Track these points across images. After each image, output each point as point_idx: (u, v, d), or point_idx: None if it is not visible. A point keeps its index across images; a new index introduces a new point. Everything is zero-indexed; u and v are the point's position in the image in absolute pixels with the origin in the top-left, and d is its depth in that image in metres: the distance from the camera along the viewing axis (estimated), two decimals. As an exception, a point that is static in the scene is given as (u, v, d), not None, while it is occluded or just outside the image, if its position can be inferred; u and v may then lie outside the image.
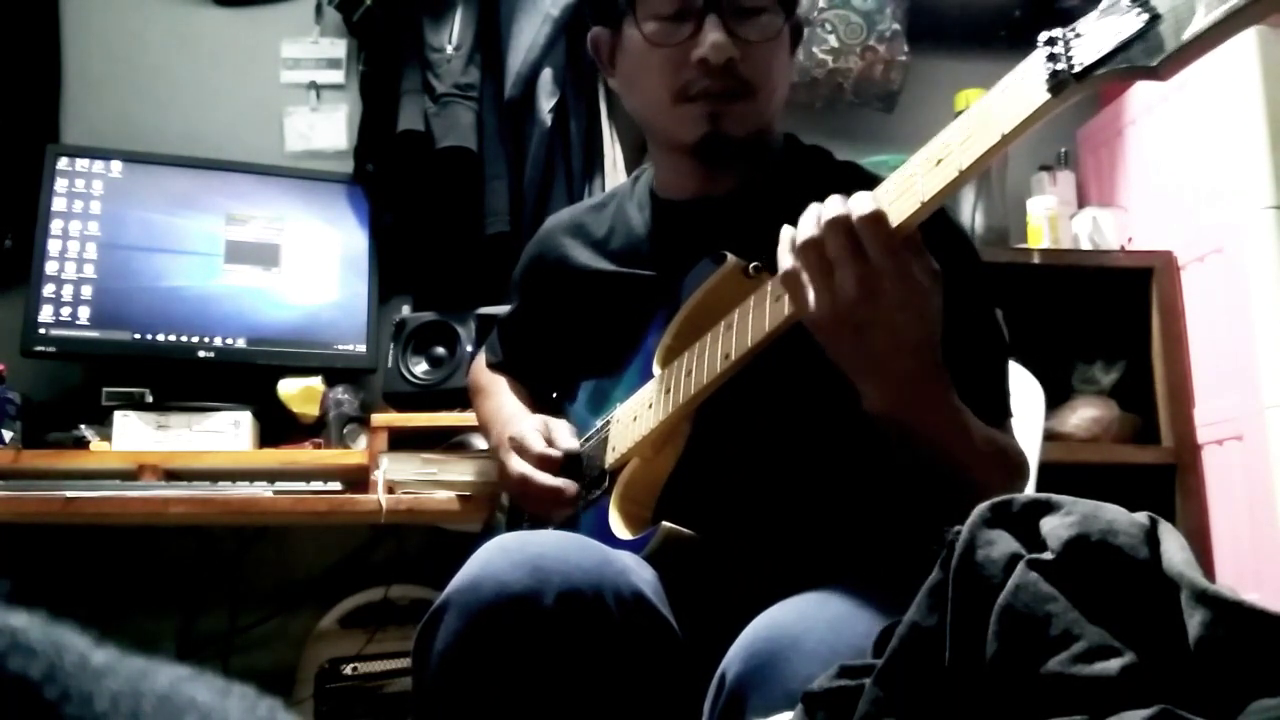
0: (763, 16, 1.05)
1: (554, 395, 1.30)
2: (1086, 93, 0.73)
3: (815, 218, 0.82)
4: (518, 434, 1.13)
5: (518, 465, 1.11)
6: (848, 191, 0.89)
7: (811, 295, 0.82)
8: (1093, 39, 0.70)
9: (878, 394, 0.86)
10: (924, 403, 0.87)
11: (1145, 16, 0.67)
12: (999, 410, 1.04)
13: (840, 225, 0.80)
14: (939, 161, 0.80)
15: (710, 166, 1.10)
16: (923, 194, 0.80)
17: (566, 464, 1.10)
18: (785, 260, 0.84)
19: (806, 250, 0.82)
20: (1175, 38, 0.65)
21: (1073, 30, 0.71)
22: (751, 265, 0.99)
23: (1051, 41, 0.72)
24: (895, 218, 0.81)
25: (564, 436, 1.12)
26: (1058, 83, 0.71)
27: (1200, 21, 0.64)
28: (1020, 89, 0.74)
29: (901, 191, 0.82)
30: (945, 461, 0.91)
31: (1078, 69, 0.70)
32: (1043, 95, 0.72)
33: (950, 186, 0.79)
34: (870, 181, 1.04)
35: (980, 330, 1.05)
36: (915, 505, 0.97)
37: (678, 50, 1.04)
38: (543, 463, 1.09)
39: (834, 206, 0.81)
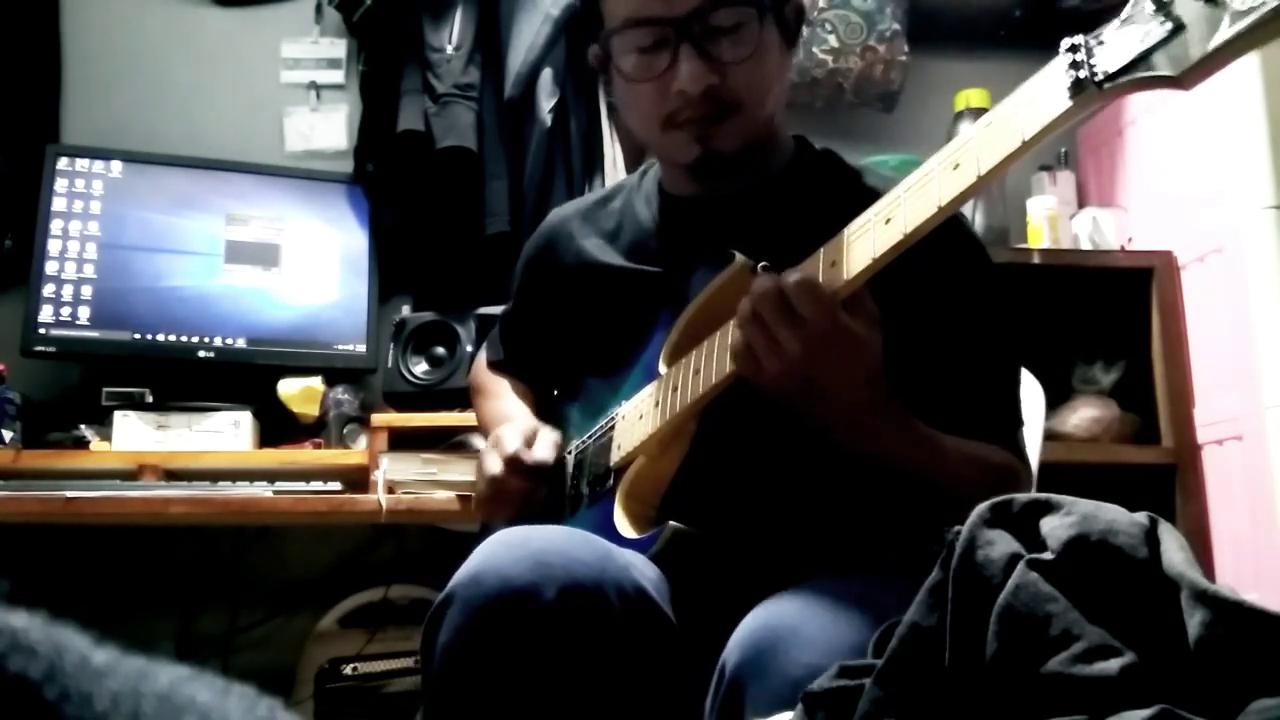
0: (739, 31, 1.02)
1: (555, 393, 1.29)
2: (1108, 100, 0.72)
3: (756, 295, 0.89)
4: (497, 434, 1.12)
5: (490, 466, 1.09)
6: (854, 196, 0.89)
7: (761, 362, 0.88)
8: (1116, 47, 0.69)
9: (835, 430, 0.93)
10: (879, 432, 0.93)
11: (1169, 25, 0.66)
12: (1006, 422, 1.05)
13: (773, 296, 0.87)
14: (957, 165, 0.79)
15: (708, 180, 1.10)
16: (940, 198, 0.80)
17: (540, 474, 1.08)
18: (733, 334, 0.91)
19: (749, 324, 0.88)
20: (1200, 47, 0.65)
21: (1095, 38, 0.71)
22: (759, 264, 0.99)
23: (1074, 49, 0.72)
24: (914, 220, 0.81)
25: (544, 446, 1.09)
26: (1080, 90, 0.71)
27: (1225, 32, 0.64)
28: (1042, 95, 0.74)
29: (918, 195, 0.82)
30: (919, 477, 0.95)
31: (1100, 77, 0.70)
32: (1065, 102, 0.72)
33: (969, 191, 0.79)
34: (876, 189, 1.05)
35: (988, 343, 1.05)
36: (915, 506, 0.98)
37: (658, 82, 1.03)
38: (513, 463, 1.07)
39: (765, 282, 0.88)
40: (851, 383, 0.89)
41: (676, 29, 1.01)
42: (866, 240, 0.85)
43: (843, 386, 0.89)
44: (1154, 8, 0.67)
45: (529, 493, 1.08)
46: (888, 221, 0.84)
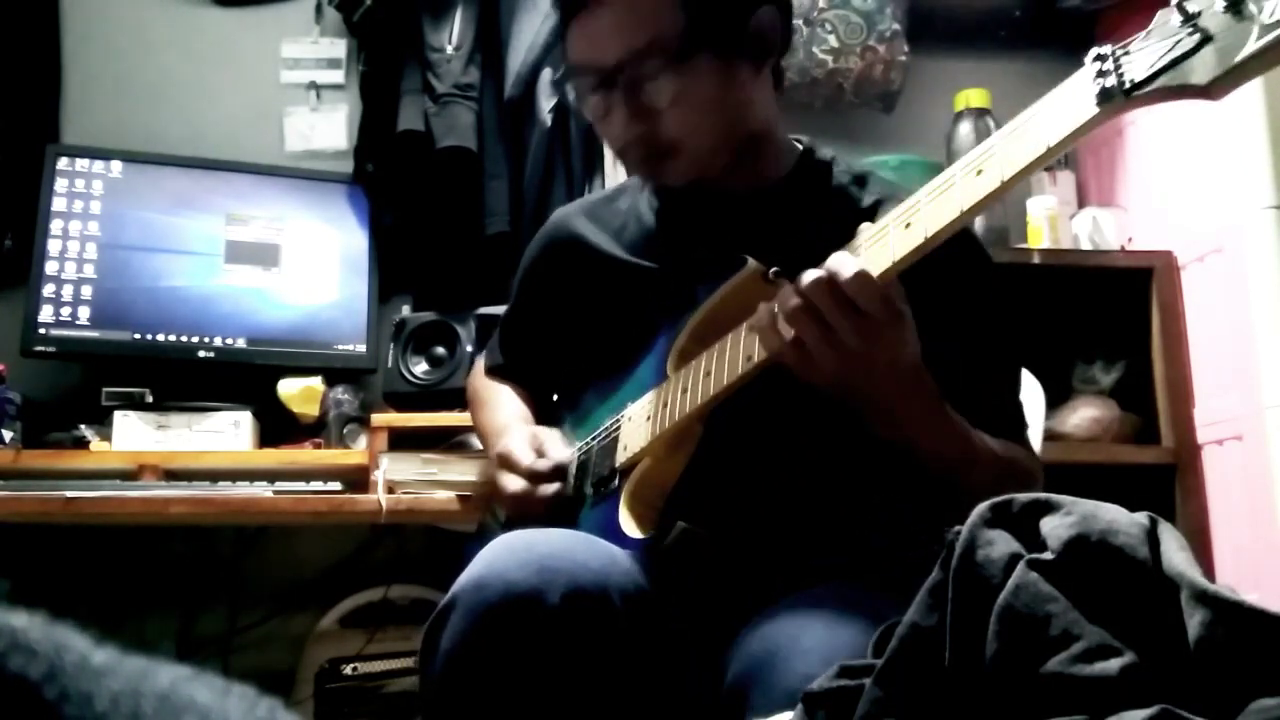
0: (666, 77, 1.01)
1: (555, 395, 1.29)
2: (1133, 109, 0.74)
3: (808, 289, 0.85)
4: (504, 449, 1.10)
5: (510, 484, 1.08)
6: (854, 198, 0.89)
7: (814, 356, 0.85)
8: (1143, 57, 0.71)
9: (883, 421, 0.92)
10: (923, 419, 0.92)
11: (1196, 37, 0.68)
12: (1014, 423, 1.06)
13: (827, 288, 0.83)
14: (980, 171, 0.80)
15: (676, 202, 1.13)
16: (963, 203, 0.81)
17: (557, 475, 1.08)
18: (784, 331, 0.87)
19: (801, 318, 0.85)
20: (1228, 59, 0.66)
21: (1122, 48, 0.73)
22: (771, 270, 0.99)
23: (1101, 58, 0.73)
24: (935, 225, 0.82)
25: (555, 447, 1.09)
26: (1108, 98, 0.72)
27: (1253, 45, 0.65)
28: (1068, 102, 0.75)
29: (939, 200, 0.82)
30: (950, 471, 0.94)
31: (1128, 85, 0.71)
32: (1091, 109, 0.73)
33: (992, 196, 0.80)
34: (877, 192, 1.05)
35: (994, 345, 1.06)
36: (922, 508, 0.98)
37: (603, 122, 1.06)
38: (532, 476, 1.07)
39: (815, 274, 0.84)
40: (904, 371, 0.88)
41: (603, 80, 1.03)
42: (885, 244, 0.85)
43: (896, 375, 0.88)
44: (1181, 19, 0.69)
45: (555, 495, 1.07)
46: (907, 226, 0.84)
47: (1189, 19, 0.68)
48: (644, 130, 1.02)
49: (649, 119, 1.02)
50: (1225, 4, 0.66)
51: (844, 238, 0.90)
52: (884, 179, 1.13)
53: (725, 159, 1.08)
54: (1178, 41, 0.69)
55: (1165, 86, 0.70)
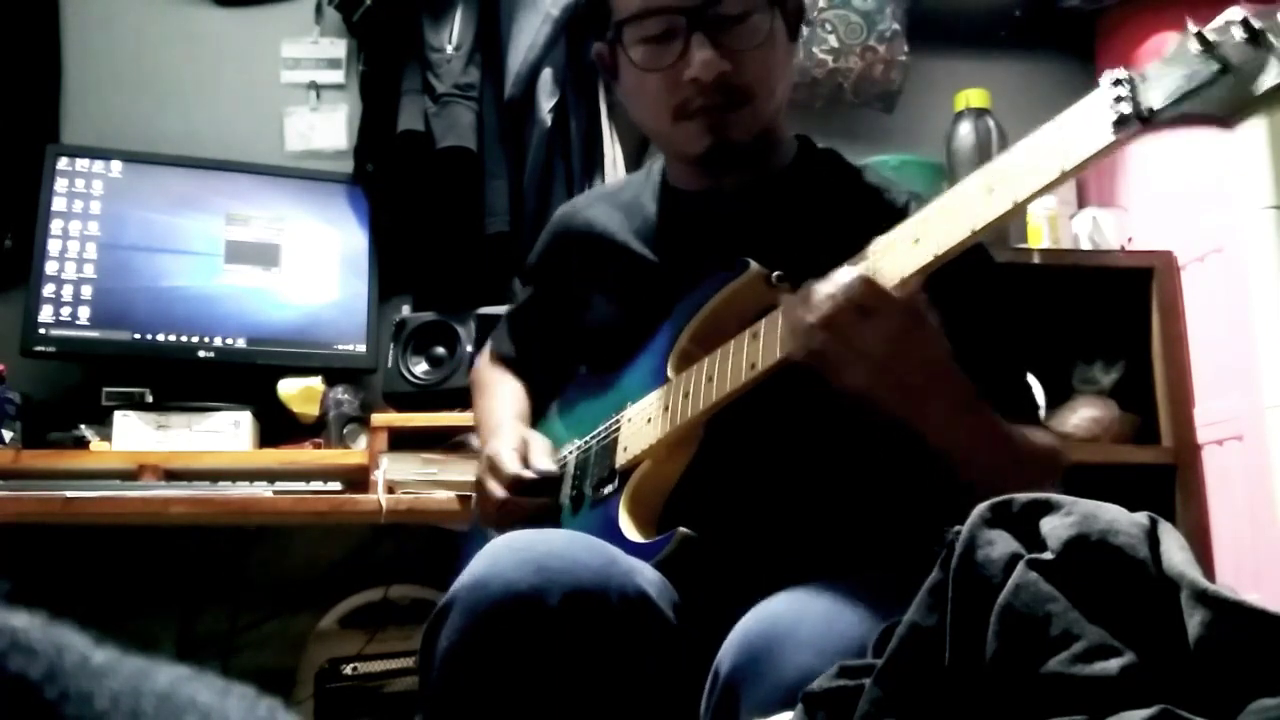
0: (750, 20, 1.03)
1: (555, 387, 1.29)
2: (1148, 134, 0.73)
3: (816, 301, 0.84)
4: (493, 452, 1.10)
5: (495, 491, 1.08)
6: (855, 195, 0.88)
7: (846, 370, 0.84)
8: (1160, 83, 0.70)
9: (931, 429, 0.89)
10: (973, 422, 0.90)
11: (1215, 66, 0.67)
12: (1030, 405, 1.07)
13: (843, 302, 0.82)
14: (991, 190, 0.80)
15: (717, 173, 1.10)
16: (974, 222, 0.80)
17: (543, 484, 1.07)
18: (803, 346, 0.86)
19: (820, 332, 0.83)
20: (1246, 90, 0.66)
21: (1139, 74, 0.72)
22: (774, 274, 0.98)
23: (1118, 83, 0.73)
24: (945, 243, 0.81)
25: (540, 457, 1.09)
26: (1124, 125, 0.72)
27: (1272, 77, 0.65)
28: (1084, 126, 0.75)
29: (950, 218, 0.82)
30: (996, 473, 0.92)
31: (1145, 112, 0.71)
32: (1108, 135, 0.73)
33: (1004, 217, 0.79)
34: (877, 187, 1.04)
35: (1004, 335, 1.06)
36: (923, 510, 0.97)
37: (670, 71, 1.03)
38: (516, 484, 1.06)
39: (824, 289, 0.83)
40: (938, 371, 0.86)
41: (688, 17, 1.02)
42: (893, 259, 0.85)
43: (931, 376, 0.86)
44: (1199, 48, 0.68)
45: (538, 504, 1.07)
46: (916, 241, 0.84)
47: (1208, 48, 0.68)
48: (725, 71, 1.01)
49: (731, 60, 1.02)
50: (1245, 35, 0.66)
51: (853, 226, 0.90)
52: (878, 172, 1.14)
53: (771, 127, 1.09)
54: (1195, 70, 0.68)
55: (1182, 114, 0.69)
